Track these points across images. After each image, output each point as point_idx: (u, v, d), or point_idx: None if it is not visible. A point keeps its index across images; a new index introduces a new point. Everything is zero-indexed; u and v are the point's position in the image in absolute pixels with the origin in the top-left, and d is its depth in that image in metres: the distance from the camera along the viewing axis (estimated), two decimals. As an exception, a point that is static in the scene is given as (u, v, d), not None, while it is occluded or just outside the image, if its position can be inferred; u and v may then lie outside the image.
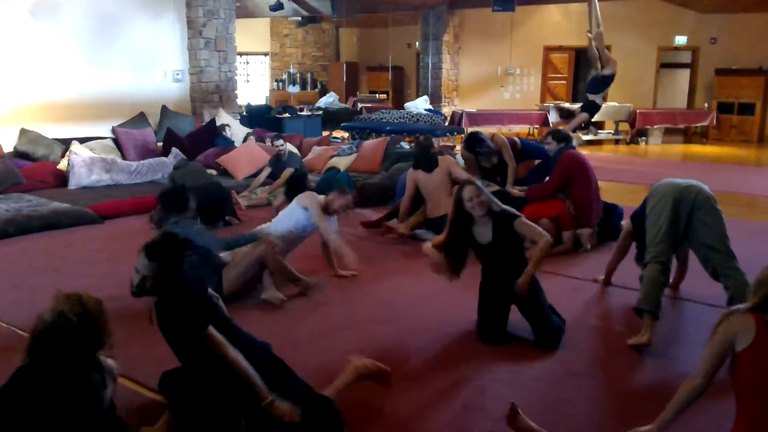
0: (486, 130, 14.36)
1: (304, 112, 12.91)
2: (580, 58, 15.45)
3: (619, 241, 4.47)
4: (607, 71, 10.87)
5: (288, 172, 7.20)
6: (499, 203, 3.69)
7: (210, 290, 3.16)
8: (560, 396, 3.07)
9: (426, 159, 5.93)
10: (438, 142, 11.33)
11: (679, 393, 2.38)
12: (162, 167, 7.97)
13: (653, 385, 3.15)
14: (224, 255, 4.24)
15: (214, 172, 7.93)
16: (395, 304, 4.27)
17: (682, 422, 2.44)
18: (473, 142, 6.17)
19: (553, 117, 13.92)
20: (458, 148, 8.61)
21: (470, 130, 13.65)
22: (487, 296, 3.75)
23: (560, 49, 16.18)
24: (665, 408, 2.39)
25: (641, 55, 15.40)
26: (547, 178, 5.87)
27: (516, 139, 6.61)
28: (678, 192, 3.80)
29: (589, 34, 10.86)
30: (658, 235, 3.76)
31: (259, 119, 12.02)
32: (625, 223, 4.45)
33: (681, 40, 15.27)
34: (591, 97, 11.03)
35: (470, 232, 3.68)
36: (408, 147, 9.36)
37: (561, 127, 8.90)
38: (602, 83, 11.13)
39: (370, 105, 15.41)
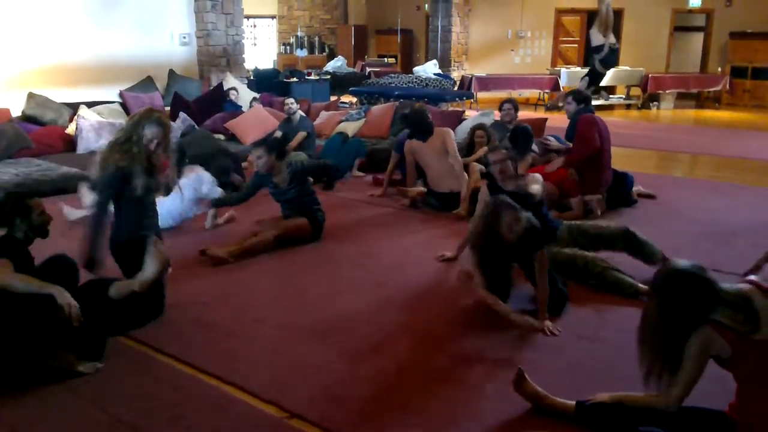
0: (496, 95, 14.32)
1: (312, 77, 12.79)
2: (593, 21, 15.18)
3: None
4: (613, 42, 11.21)
5: (301, 135, 7.17)
6: (537, 222, 3.42)
7: None
8: (567, 360, 3.09)
9: (421, 127, 5.77)
10: (448, 106, 11.24)
11: (646, 399, 2.39)
12: (170, 132, 7.93)
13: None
14: None
15: (221, 137, 7.89)
16: (404, 268, 4.29)
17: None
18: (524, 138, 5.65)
19: (564, 81, 13.75)
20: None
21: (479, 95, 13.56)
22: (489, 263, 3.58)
23: (572, 11, 15.89)
24: (628, 395, 2.43)
25: (655, 18, 15.12)
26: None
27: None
28: None
29: None
30: None
31: (266, 83, 11.91)
32: None
33: (695, 2, 14.98)
34: (604, 69, 11.40)
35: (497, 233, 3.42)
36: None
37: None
38: (614, 55, 11.51)
39: (378, 69, 15.25)
